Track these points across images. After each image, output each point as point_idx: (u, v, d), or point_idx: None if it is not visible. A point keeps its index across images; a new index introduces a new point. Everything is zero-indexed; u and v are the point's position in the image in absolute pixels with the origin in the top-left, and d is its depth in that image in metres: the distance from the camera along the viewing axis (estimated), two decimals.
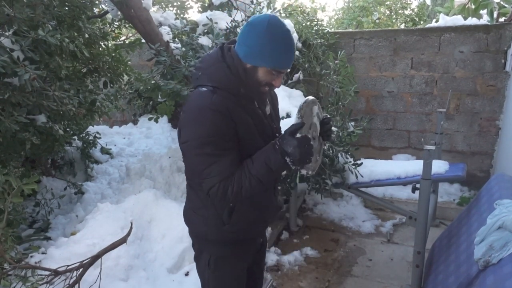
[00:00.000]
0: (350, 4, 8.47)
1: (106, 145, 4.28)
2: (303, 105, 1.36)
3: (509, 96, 3.57)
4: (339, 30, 5.03)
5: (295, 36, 3.88)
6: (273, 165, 1.28)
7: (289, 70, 1.39)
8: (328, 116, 1.49)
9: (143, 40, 3.60)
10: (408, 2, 8.46)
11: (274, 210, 1.62)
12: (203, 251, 1.52)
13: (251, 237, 1.53)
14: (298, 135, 1.26)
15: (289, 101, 3.24)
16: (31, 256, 2.29)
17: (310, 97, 1.43)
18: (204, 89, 1.30)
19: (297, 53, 3.93)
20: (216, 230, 1.43)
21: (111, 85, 3.17)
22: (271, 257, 3.00)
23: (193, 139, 1.27)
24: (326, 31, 4.30)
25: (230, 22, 3.30)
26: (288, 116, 3.07)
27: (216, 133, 1.24)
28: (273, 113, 1.51)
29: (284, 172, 1.42)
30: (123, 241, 2.15)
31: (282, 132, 1.43)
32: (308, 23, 4.24)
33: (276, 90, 1.53)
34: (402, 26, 8.12)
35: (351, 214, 3.78)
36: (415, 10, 8.47)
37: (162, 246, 2.65)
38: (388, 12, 8.47)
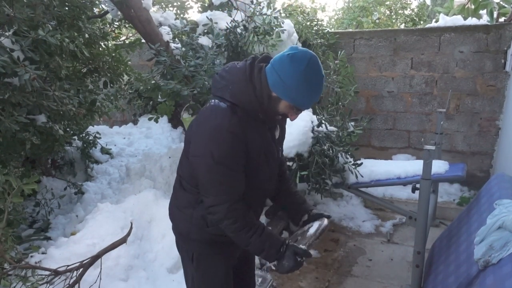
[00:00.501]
0: (350, 4, 8.46)
1: (106, 145, 4.27)
2: (314, 241, 1.41)
3: (509, 96, 3.57)
4: (339, 30, 5.04)
5: (295, 36, 3.88)
6: (265, 255, 1.37)
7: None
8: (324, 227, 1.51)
9: (143, 40, 3.60)
10: (408, 2, 8.45)
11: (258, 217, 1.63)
12: (187, 248, 1.53)
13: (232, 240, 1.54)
14: (299, 259, 1.35)
15: None
16: (31, 256, 2.29)
17: (324, 226, 1.46)
18: (224, 105, 1.30)
19: None
20: (199, 229, 1.44)
21: (111, 85, 3.17)
22: None
23: (206, 156, 1.27)
24: (326, 31, 4.31)
25: (230, 22, 3.31)
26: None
27: (230, 154, 1.26)
28: (280, 136, 1.53)
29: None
30: (123, 241, 2.15)
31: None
32: (308, 23, 4.24)
33: None
34: (402, 26, 8.12)
35: (351, 214, 3.78)
36: (415, 10, 8.46)
37: (162, 246, 2.65)
38: (388, 12, 8.46)
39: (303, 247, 1.38)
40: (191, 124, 1.40)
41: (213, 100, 1.35)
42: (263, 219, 1.66)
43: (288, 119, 1.42)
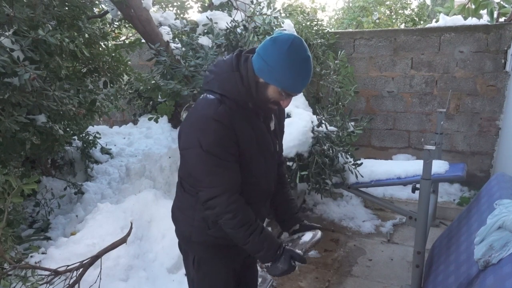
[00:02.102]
0: (350, 4, 8.46)
1: (106, 145, 4.28)
2: (309, 249, 1.43)
3: (509, 96, 3.57)
4: (339, 30, 5.04)
5: None
6: (261, 255, 1.36)
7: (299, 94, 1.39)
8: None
9: (143, 40, 3.60)
10: (408, 2, 8.44)
11: (263, 221, 1.62)
12: (188, 251, 1.52)
13: (235, 243, 1.52)
14: (293, 263, 1.35)
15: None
16: (31, 256, 2.29)
17: (319, 237, 1.47)
18: (212, 97, 1.30)
19: None
20: (201, 232, 1.43)
21: (111, 85, 3.17)
22: None
23: (195, 146, 1.26)
24: (326, 31, 4.30)
25: (230, 22, 3.30)
26: (288, 116, 3.07)
27: (219, 143, 1.24)
28: (277, 129, 1.50)
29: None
30: (123, 241, 2.14)
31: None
32: (308, 23, 4.24)
33: None
34: (402, 26, 8.11)
35: (351, 214, 3.78)
36: (415, 10, 8.45)
37: (162, 246, 2.65)
38: (388, 12, 8.45)
39: (299, 251, 1.38)
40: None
41: (203, 95, 1.36)
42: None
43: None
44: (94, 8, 3.20)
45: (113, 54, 3.15)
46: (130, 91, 4.00)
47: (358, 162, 2.89)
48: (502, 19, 4.17)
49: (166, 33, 3.50)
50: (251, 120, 1.33)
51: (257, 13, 3.50)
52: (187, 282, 1.60)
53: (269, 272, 1.38)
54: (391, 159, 4.17)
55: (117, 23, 3.78)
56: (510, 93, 3.53)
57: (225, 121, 1.24)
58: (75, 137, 3.79)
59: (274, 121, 1.47)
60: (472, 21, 4.04)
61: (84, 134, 3.89)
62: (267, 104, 1.32)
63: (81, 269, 1.93)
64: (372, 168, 2.90)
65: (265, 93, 1.28)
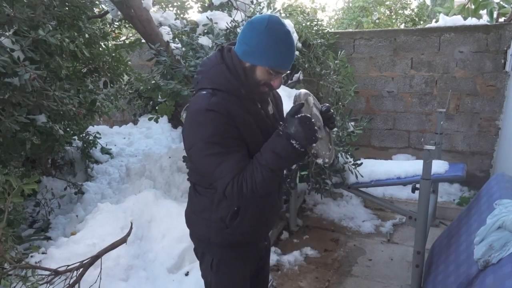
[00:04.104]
0: (350, 4, 8.47)
1: (106, 145, 4.28)
2: (297, 98, 1.37)
3: (509, 96, 3.57)
4: (339, 30, 5.04)
5: (295, 36, 3.88)
6: (281, 151, 1.22)
7: (288, 71, 1.37)
8: (327, 104, 1.46)
9: (143, 40, 3.60)
10: (408, 2, 8.45)
11: (278, 214, 1.61)
12: (206, 253, 1.51)
13: (253, 241, 1.52)
14: (296, 116, 1.23)
15: (289, 101, 3.23)
16: (31, 256, 2.29)
17: (303, 90, 1.43)
18: (204, 92, 1.30)
19: (297, 53, 3.92)
20: (219, 233, 1.42)
21: (111, 85, 3.18)
22: (271, 257, 2.99)
23: (196, 142, 1.26)
24: (326, 31, 4.30)
25: (230, 22, 3.30)
26: None
27: (218, 132, 1.23)
28: (276, 113, 1.50)
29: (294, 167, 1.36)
30: (123, 241, 2.14)
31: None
32: (308, 23, 4.23)
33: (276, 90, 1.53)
34: (402, 26, 8.12)
35: (351, 214, 3.78)
36: (415, 10, 8.46)
37: (162, 246, 2.65)
38: (388, 12, 8.47)
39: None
40: None
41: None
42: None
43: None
44: (94, 8, 3.20)
45: (113, 54, 3.15)
46: (130, 91, 4.01)
47: (358, 162, 2.89)
48: (501, 19, 4.17)
49: (166, 33, 3.50)
50: (247, 107, 1.32)
51: (257, 13, 3.50)
52: (189, 283, 1.60)
53: (304, 143, 1.20)
54: (391, 159, 4.17)
55: (117, 23, 3.79)
56: (510, 93, 3.53)
57: (220, 109, 1.24)
58: (75, 137, 3.79)
59: (271, 106, 1.47)
60: (472, 21, 4.04)
61: (84, 134, 3.90)
62: (258, 87, 1.32)
63: (81, 269, 1.94)
64: (372, 168, 2.90)
65: (254, 76, 1.29)
